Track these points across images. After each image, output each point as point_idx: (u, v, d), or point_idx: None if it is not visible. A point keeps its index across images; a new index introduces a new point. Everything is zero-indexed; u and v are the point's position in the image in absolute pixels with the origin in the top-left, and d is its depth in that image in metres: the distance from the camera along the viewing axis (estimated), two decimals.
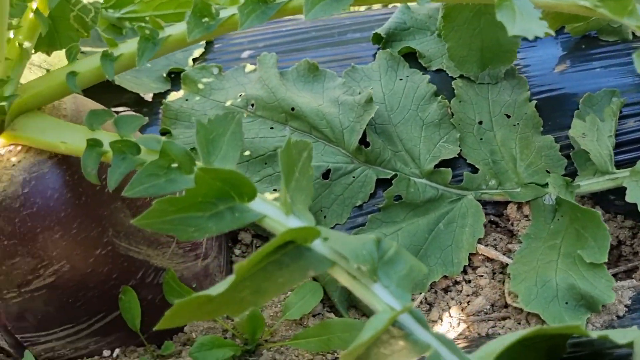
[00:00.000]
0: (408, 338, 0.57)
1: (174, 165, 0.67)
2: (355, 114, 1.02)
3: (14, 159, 0.75)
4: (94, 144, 0.70)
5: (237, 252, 1.02)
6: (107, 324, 0.85)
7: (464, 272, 0.95)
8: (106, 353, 0.87)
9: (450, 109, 1.03)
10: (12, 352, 0.86)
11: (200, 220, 0.64)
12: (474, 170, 1.00)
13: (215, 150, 0.69)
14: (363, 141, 1.00)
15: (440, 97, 1.03)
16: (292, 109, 1.02)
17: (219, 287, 0.57)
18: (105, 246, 0.80)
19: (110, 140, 0.70)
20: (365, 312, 0.92)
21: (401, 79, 1.08)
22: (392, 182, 0.97)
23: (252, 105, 1.06)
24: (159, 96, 1.16)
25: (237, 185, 0.63)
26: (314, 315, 0.91)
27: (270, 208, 0.65)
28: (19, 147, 0.75)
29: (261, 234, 1.03)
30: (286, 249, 0.62)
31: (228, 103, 1.08)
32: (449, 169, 0.98)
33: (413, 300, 0.92)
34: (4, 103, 0.75)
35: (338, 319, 0.83)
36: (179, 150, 0.66)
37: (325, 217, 0.99)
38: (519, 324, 0.87)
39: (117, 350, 0.87)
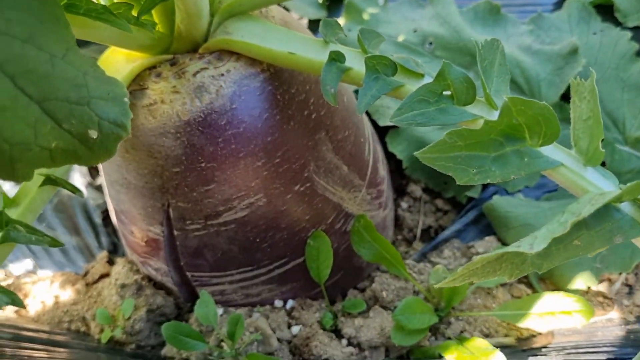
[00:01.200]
0: None
1: (446, 92, 0.56)
2: (553, 65, 0.90)
3: (223, 68, 0.63)
4: (335, 57, 0.58)
5: (403, 205, 0.91)
6: (287, 271, 0.74)
7: None
8: (278, 303, 0.77)
9: None
10: (175, 290, 0.76)
11: (484, 161, 0.53)
12: None
13: (487, 82, 0.57)
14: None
15: None
16: None
17: (538, 244, 0.47)
18: (304, 182, 0.69)
19: (351, 56, 0.59)
20: (558, 286, 0.82)
21: (595, 33, 0.96)
22: None
23: (430, 43, 0.94)
24: (312, 23, 1.04)
25: (540, 123, 0.52)
26: (502, 285, 0.81)
27: (565, 156, 0.54)
28: (229, 55, 0.63)
29: (432, 188, 0.92)
30: None
31: (400, 38, 0.96)
32: None
33: (611, 280, 0.82)
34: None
35: (558, 294, 0.72)
36: (459, 75, 0.55)
37: (512, 177, 0.88)
38: None
39: (290, 302, 0.77)
